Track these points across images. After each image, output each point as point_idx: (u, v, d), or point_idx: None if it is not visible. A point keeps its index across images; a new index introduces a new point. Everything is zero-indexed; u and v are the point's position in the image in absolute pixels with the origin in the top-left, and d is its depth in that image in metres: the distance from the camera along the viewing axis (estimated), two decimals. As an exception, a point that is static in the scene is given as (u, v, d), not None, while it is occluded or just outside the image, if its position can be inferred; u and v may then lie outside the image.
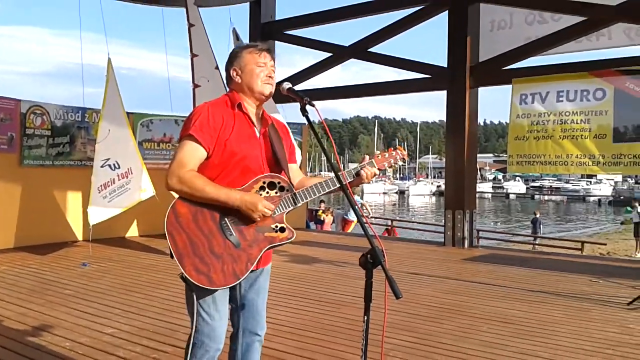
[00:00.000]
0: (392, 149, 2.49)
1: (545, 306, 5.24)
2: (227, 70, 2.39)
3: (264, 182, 2.29)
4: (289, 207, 2.31)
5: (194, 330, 2.24)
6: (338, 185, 2.23)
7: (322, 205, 15.33)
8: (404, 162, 2.53)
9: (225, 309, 2.31)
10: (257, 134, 2.35)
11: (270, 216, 2.26)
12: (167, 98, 9.66)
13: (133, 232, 9.75)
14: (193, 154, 2.22)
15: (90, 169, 7.89)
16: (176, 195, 2.23)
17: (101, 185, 7.65)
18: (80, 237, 8.96)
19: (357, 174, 2.33)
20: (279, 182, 2.31)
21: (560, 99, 8.02)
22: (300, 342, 4.07)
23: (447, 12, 9.31)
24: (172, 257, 2.17)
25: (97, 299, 5.25)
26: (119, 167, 7.77)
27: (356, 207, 1.99)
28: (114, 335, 4.13)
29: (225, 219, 2.22)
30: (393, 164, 2.46)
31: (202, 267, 2.16)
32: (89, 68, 8.47)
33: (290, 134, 2.68)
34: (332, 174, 2.25)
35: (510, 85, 8.53)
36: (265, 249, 2.28)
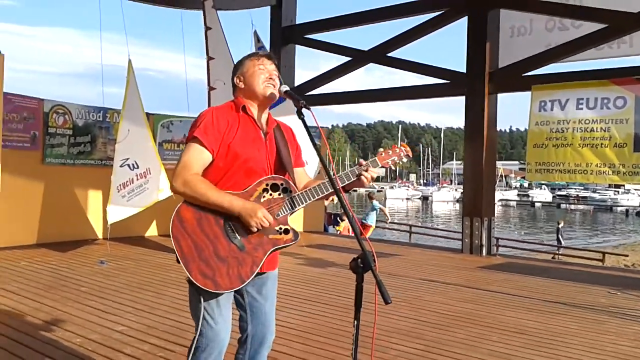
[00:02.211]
0: (396, 145, 2.47)
1: (559, 317, 5.16)
2: (232, 79, 2.44)
3: (266, 184, 2.30)
4: (289, 210, 2.32)
5: (197, 334, 2.26)
6: (332, 190, 2.23)
7: (342, 210, 15.30)
8: (409, 159, 2.48)
9: (228, 313, 2.33)
10: (263, 136, 2.37)
11: (275, 217, 2.27)
12: (189, 100, 9.77)
13: (152, 231, 9.87)
14: (198, 156, 2.25)
15: (111, 168, 8.02)
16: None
17: (120, 185, 7.77)
18: (100, 235, 9.12)
19: (358, 176, 2.31)
20: (282, 184, 2.32)
21: (580, 106, 7.90)
22: (306, 345, 4.08)
23: (466, 17, 9.26)
24: (178, 262, 2.20)
25: (110, 296, 5.34)
26: (138, 167, 7.88)
27: (348, 210, 1.99)
28: (124, 332, 4.19)
29: (230, 222, 2.24)
30: (397, 161, 2.43)
31: (207, 271, 2.18)
32: (114, 69, 8.65)
33: (297, 137, 2.67)
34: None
35: (530, 92, 8.43)
36: (270, 251, 2.28)
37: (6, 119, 7.54)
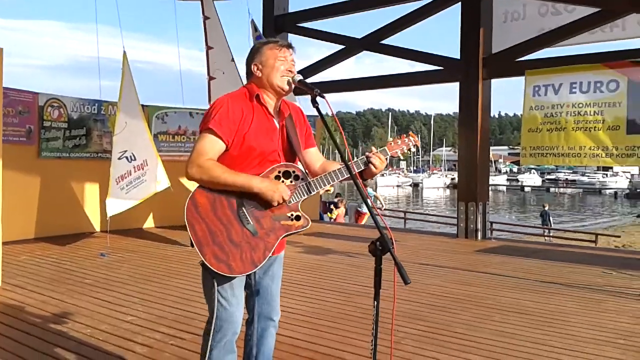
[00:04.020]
0: (405, 135, 2.50)
1: (557, 297, 5.28)
2: (248, 64, 2.43)
3: (279, 172, 2.35)
4: (304, 195, 2.37)
5: (213, 316, 2.32)
6: (348, 175, 2.28)
7: (338, 198, 15.40)
8: (417, 149, 2.53)
9: (241, 294, 2.39)
10: (276, 125, 2.41)
11: (286, 205, 2.33)
12: (181, 91, 9.76)
13: (149, 223, 9.89)
14: (212, 145, 2.28)
15: (107, 161, 8.01)
16: (191, 189, 2.30)
17: (119, 177, 7.78)
18: (97, 228, 9.12)
19: (367, 164, 2.35)
20: (293, 171, 2.37)
21: (574, 90, 7.99)
22: (313, 329, 4.15)
23: (460, 3, 9.29)
24: (192, 246, 2.24)
25: (116, 288, 5.38)
26: (135, 159, 7.88)
27: (366, 197, 2.04)
28: (133, 322, 4.24)
29: (243, 208, 2.29)
30: (406, 151, 2.48)
31: (221, 256, 2.23)
32: (104, 61, 8.57)
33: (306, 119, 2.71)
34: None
35: (524, 77, 8.51)
36: (282, 236, 2.35)
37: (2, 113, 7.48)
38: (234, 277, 2.30)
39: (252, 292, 2.48)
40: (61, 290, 5.21)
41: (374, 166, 2.34)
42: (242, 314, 2.39)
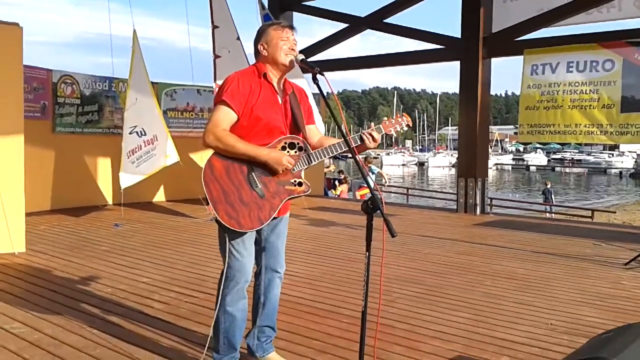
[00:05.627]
0: (399, 115, 2.83)
1: (547, 265, 5.60)
2: (256, 45, 2.75)
3: (285, 143, 2.68)
4: (306, 165, 2.70)
5: (226, 266, 2.65)
6: (347, 148, 2.59)
7: (341, 174, 15.73)
8: (409, 128, 2.87)
9: (252, 247, 2.72)
10: (280, 101, 2.72)
11: (290, 172, 2.65)
12: (187, 68, 9.96)
13: (160, 197, 10.24)
14: (225, 116, 2.60)
15: (118, 136, 8.31)
16: (200, 164, 2.61)
17: (129, 151, 8.11)
18: (110, 200, 9.48)
19: (361, 139, 2.68)
20: (297, 143, 2.69)
21: (570, 69, 8.22)
22: (315, 290, 4.50)
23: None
24: (207, 203, 2.57)
25: (130, 253, 5.75)
26: (145, 134, 8.19)
27: (362, 168, 2.35)
28: (149, 283, 4.60)
29: (253, 173, 2.61)
30: (399, 129, 2.81)
31: (232, 213, 2.56)
32: (107, 38, 8.74)
33: (310, 98, 3.04)
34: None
35: (522, 56, 8.73)
36: (285, 199, 2.68)
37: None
38: (244, 233, 2.62)
39: (260, 247, 2.82)
40: (81, 256, 5.57)
41: (369, 140, 2.67)
42: (252, 264, 2.73)
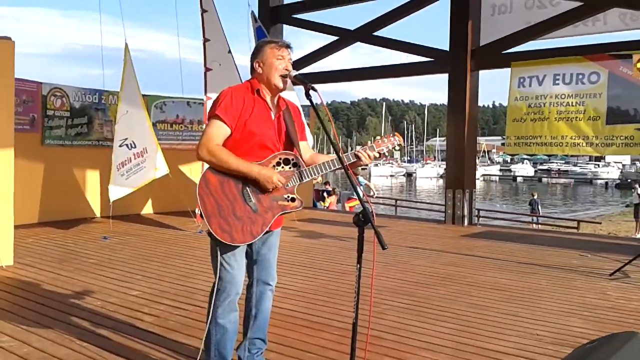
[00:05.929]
0: (391, 135, 2.88)
1: (533, 276, 5.66)
2: (252, 61, 2.79)
3: (280, 159, 2.72)
4: (298, 182, 2.74)
5: (217, 278, 2.68)
6: (340, 166, 2.63)
7: (328, 186, 15.80)
8: (400, 148, 2.94)
9: (243, 260, 2.75)
10: (273, 117, 2.76)
11: (284, 187, 2.69)
12: (176, 79, 9.99)
13: (148, 209, 10.22)
14: (218, 130, 2.64)
15: (107, 149, 8.30)
16: (190, 177, 2.65)
17: (119, 164, 8.10)
18: (98, 213, 9.44)
19: (357, 156, 2.73)
20: (292, 159, 2.74)
21: (557, 82, 8.36)
22: (308, 303, 4.52)
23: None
24: (201, 216, 2.61)
25: (119, 266, 5.73)
26: (135, 147, 8.20)
27: (355, 184, 2.40)
28: (139, 296, 4.59)
29: (247, 188, 2.65)
30: (391, 148, 2.86)
31: (226, 227, 2.60)
32: (98, 50, 8.74)
33: (302, 115, 3.10)
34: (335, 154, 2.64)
35: (510, 69, 8.86)
36: (278, 214, 2.72)
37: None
38: (236, 246, 2.65)
39: (252, 260, 2.85)
40: (69, 269, 5.55)
41: (365, 158, 2.72)
42: (243, 277, 2.76)
